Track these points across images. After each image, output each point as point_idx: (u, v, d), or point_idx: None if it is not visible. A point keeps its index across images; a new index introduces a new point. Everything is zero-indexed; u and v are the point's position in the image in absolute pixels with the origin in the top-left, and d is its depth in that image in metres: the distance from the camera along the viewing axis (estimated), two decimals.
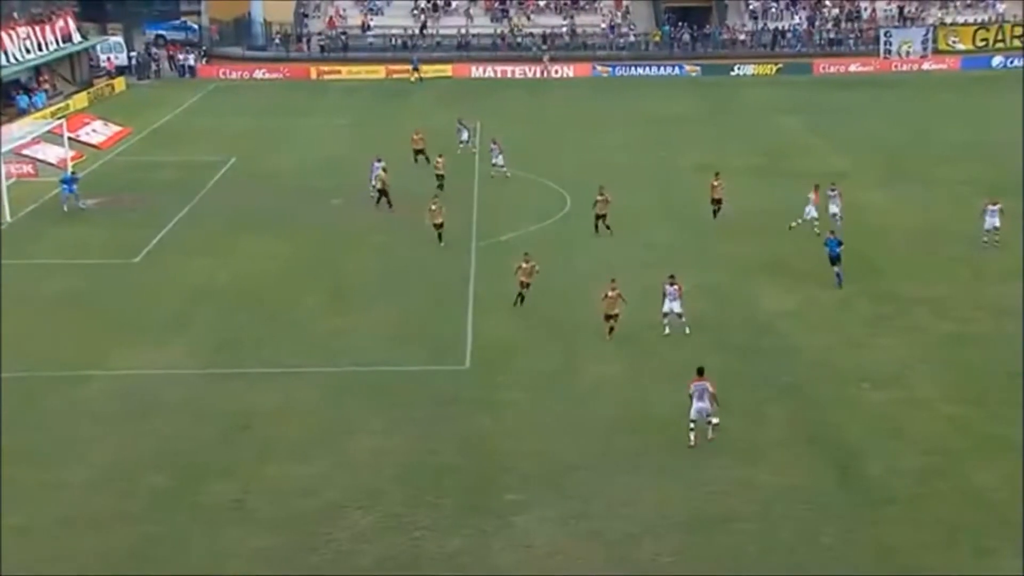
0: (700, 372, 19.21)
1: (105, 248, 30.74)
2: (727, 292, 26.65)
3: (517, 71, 63.05)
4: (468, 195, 36.13)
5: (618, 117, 50.08)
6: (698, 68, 62.48)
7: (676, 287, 22.68)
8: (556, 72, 62.85)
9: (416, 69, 61.70)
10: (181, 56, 64.26)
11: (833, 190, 30.82)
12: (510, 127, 48.09)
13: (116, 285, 27.74)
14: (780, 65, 62.29)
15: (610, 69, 62.95)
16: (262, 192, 36.69)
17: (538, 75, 62.73)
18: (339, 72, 62.52)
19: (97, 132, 46.21)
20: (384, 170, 35.22)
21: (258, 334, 24.43)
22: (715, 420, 19.09)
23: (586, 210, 31.91)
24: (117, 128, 47.41)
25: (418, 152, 39.42)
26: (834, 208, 30.48)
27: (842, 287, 26.10)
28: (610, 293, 23.43)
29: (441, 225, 29.95)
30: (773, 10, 66.79)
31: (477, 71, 63.02)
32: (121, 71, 61.11)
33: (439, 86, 59.72)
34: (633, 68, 62.91)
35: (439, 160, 37.10)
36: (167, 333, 24.44)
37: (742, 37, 65.27)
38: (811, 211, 30.41)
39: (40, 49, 50.70)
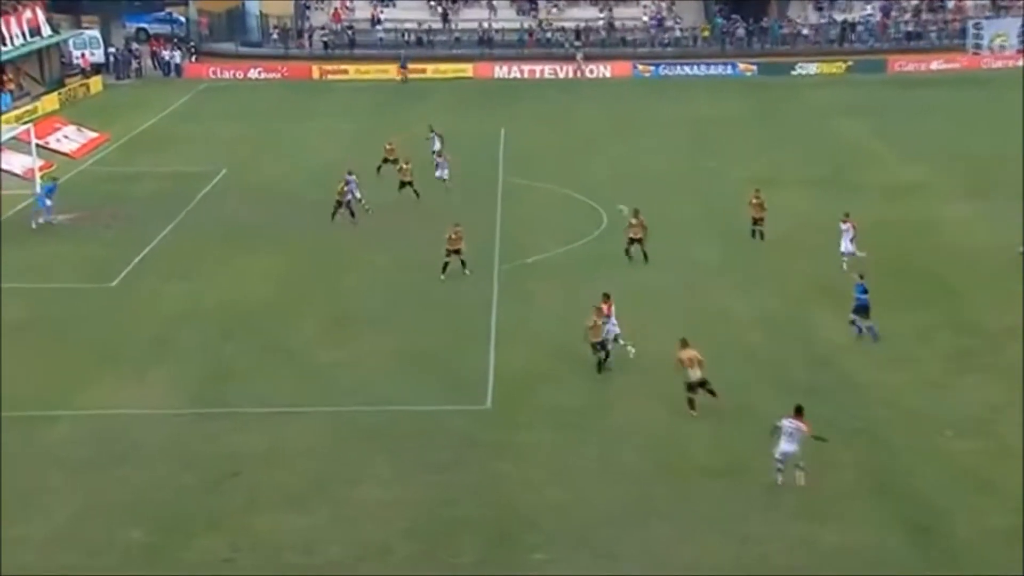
0: (799, 411, 19.30)
1: (77, 270, 31.23)
2: (781, 321, 26.72)
3: (546, 71, 63.59)
4: (490, 211, 36.43)
5: (661, 123, 50.37)
6: (754, 67, 62.80)
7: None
8: (591, 72, 63.35)
9: (404, 68, 62.24)
10: (166, 53, 65.27)
11: (845, 223, 29.70)
12: (538, 134, 48.53)
13: (88, 312, 28.15)
14: (849, 63, 62.44)
15: (653, 68, 63.36)
16: (256, 206, 37.18)
17: (570, 75, 63.27)
18: (345, 71, 63.32)
19: (69, 139, 46.97)
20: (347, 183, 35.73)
21: (249, 367, 24.71)
22: (802, 465, 19.13)
23: (624, 227, 32.10)
24: (92, 134, 48.18)
25: (388, 163, 39.44)
26: (846, 244, 29.36)
27: (878, 340, 25.22)
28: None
29: (458, 252, 30.13)
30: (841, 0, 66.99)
31: (501, 71, 63.62)
32: (97, 69, 62.04)
33: (457, 88, 60.33)
34: (679, 67, 63.28)
35: (405, 166, 37.52)
36: (145, 366, 24.74)
37: (805, 31, 65.53)
38: (846, 243, 29.53)
39: (3, 44, 51.52)
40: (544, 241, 33.18)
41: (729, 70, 62.82)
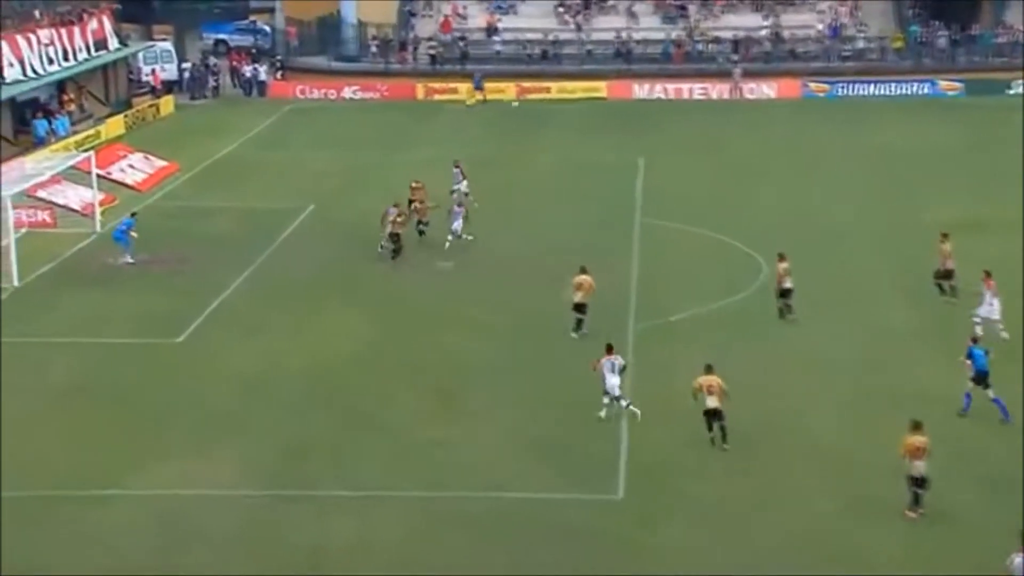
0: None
1: (137, 323, 32.30)
2: (993, 409, 26.00)
3: (696, 90, 63.83)
4: (624, 257, 36.60)
5: (838, 155, 49.99)
6: (959, 85, 61.93)
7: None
8: (751, 92, 63.38)
9: (479, 89, 63.14)
10: (248, 68, 67.52)
11: (987, 281, 29.57)
12: (684, 166, 48.66)
13: (150, 373, 29.05)
14: None
15: (828, 87, 63.04)
16: (347, 249, 38.03)
17: (725, 96, 63.38)
18: (455, 90, 64.51)
19: (135, 168, 48.85)
20: (400, 215, 37.00)
21: (334, 442, 25.19)
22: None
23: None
24: (161, 163, 50.04)
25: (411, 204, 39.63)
26: (987, 309, 29.26)
27: (1010, 421, 25.04)
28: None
29: (583, 307, 30.38)
30: None
31: (641, 90, 64.06)
32: (169, 87, 64.46)
33: (588, 110, 60.96)
34: (862, 86, 62.89)
35: (420, 205, 38.37)
36: (214, 439, 25.39)
37: None
38: (987, 307, 29.20)
39: (66, 59, 53.79)
40: (689, 296, 33.16)
41: (927, 89, 62.13)
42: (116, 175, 47.43)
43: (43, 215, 41.17)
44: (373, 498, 22.97)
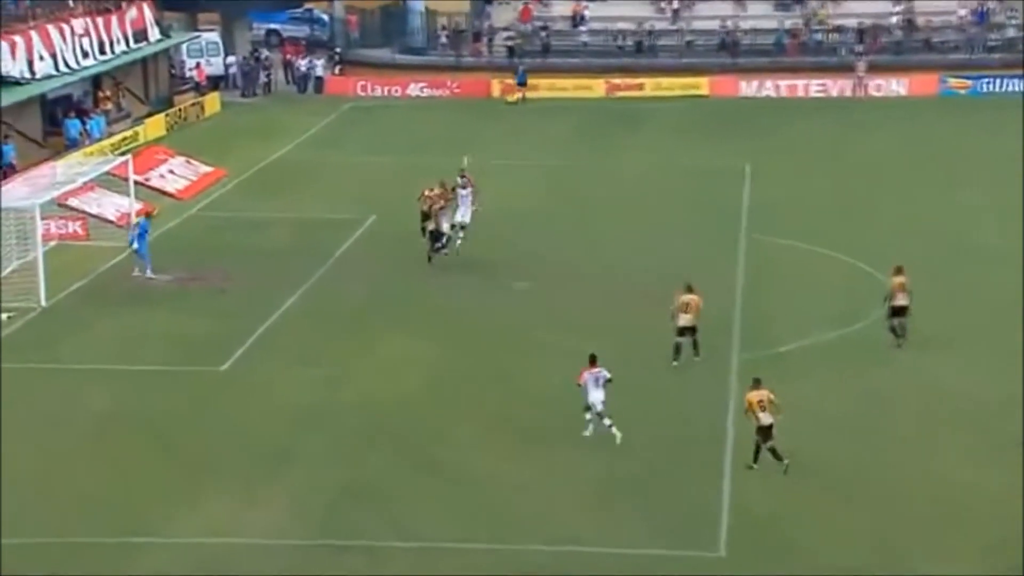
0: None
1: (178, 348, 32.67)
2: None
3: (813, 87, 63.58)
4: (727, 277, 36.39)
5: (980, 162, 49.51)
6: None
7: None
8: (877, 88, 62.96)
9: (522, 85, 63.31)
10: (303, 62, 68.35)
11: None
12: (798, 174, 48.43)
13: (191, 405, 29.34)
14: None
15: (971, 83, 62.38)
16: (412, 268, 38.24)
17: (848, 93, 62.99)
18: (535, 87, 64.73)
19: (177, 174, 49.56)
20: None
21: (393, 485, 25.24)
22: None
23: (920, 309, 31.51)
24: (205, 169, 50.71)
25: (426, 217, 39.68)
26: None
27: None
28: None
29: (693, 330, 30.35)
30: None
31: (748, 87, 63.94)
32: (215, 84, 65.49)
33: (687, 109, 60.99)
34: (1011, 81, 62.10)
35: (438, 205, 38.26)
36: (261, 480, 25.56)
37: None
38: None
39: (102, 52, 54.69)
40: (801, 323, 32.94)
41: None
42: (156, 182, 48.12)
43: (75, 226, 41.82)
44: (432, 549, 23.01)
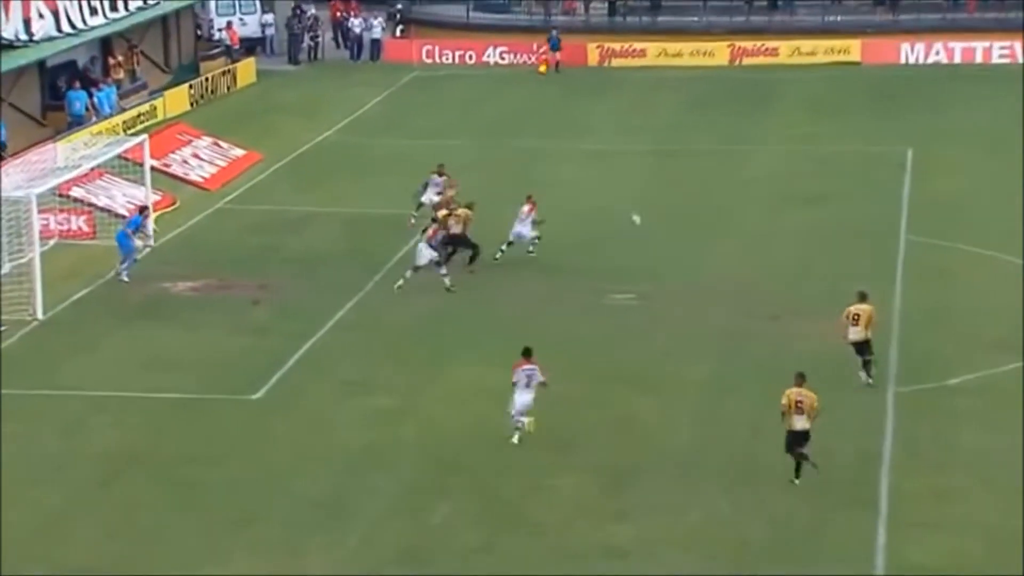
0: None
1: (203, 371, 32.94)
2: None
3: (996, 51, 63.15)
4: (884, 289, 36.01)
5: None
6: None
7: None
8: None
9: (556, 50, 63.76)
10: (357, 21, 68.70)
11: None
12: (975, 162, 48.04)
13: (218, 440, 29.52)
14: None
15: None
16: (487, 276, 38.43)
17: None
18: (642, 53, 64.79)
19: (203, 159, 50.12)
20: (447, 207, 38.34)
21: (463, 544, 25.18)
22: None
23: None
24: (238, 152, 51.22)
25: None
26: None
27: None
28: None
29: (864, 346, 30.58)
30: None
31: (912, 52, 63.72)
32: (251, 48, 66.10)
33: (832, 79, 60.81)
34: None
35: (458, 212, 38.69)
36: (303, 535, 25.56)
37: None
38: None
39: (113, 9, 55.25)
40: (976, 349, 32.70)
41: None
42: (177, 168, 48.70)
43: (79, 221, 42.41)
44: None
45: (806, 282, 36.62)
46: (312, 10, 69.65)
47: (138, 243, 38.47)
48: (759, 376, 30.88)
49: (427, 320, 35.53)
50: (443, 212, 39.04)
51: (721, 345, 33.51)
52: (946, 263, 38.25)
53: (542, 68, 64.36)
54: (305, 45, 67.56)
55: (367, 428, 29.79)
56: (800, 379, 26.80)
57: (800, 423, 26.47)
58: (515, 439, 28.43)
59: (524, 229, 39.30)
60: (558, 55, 64.21)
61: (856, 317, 30.73)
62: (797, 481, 26.54)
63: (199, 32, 64.54)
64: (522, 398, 28.45)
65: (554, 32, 64.99)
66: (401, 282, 36.89)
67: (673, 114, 56.49)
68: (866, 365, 31.07)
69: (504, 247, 39.15)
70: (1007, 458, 27.69)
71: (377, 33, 67.79)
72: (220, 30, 65.55)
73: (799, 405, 26.42)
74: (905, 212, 42.98)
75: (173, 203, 45.02)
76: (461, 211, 38.78)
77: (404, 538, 25.46)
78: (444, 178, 41.85)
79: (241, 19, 66.44)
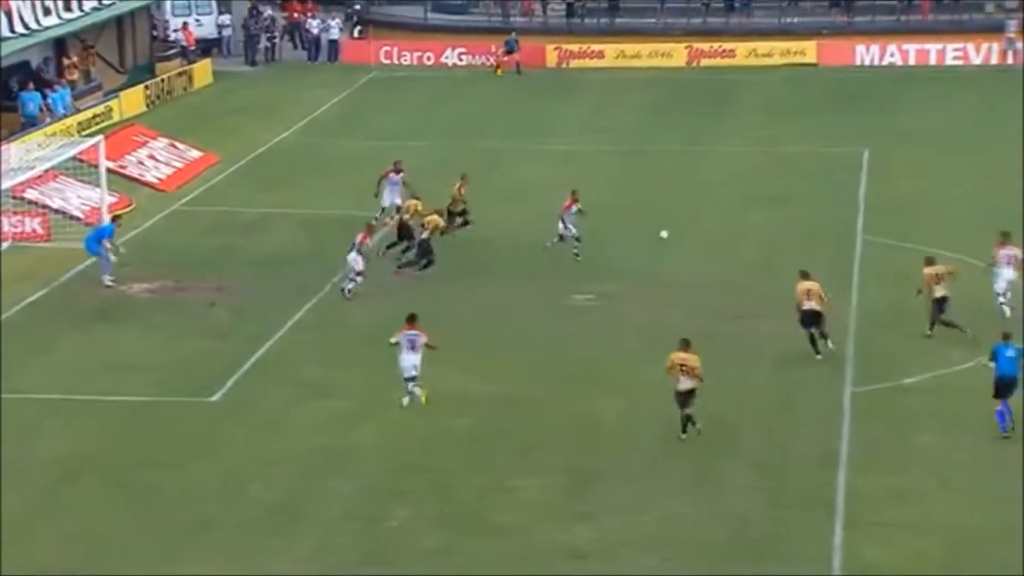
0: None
1: (159, 374, 32.86)
2: None
3: (949, 53, 63.41)
4: (839, 290, 36.18)
5: None
6: None
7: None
8: None
9: (511, 52, 63.87)
10: (315, 23, 68.53)
11: (1006, 247, 34.54)
12: (931, 163, 48.22)
13: (174, 444, 29.40)
14: None
15: None
16: (448, 277, 38.33)
17: (995, 61, 62.91)
18: (600, 55, 64.93)
19: (159, 160, 49.92)
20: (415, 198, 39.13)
21: (425, 548, 25.18)
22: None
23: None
24: (195, 153, 51.11)
25: (457, 215, 40.42)
26: (1007, 278, 34.42)
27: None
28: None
29: (815, 317, 31.39)
30: None
31: (867, 53, 63.93)
32: (207, 49, 65.82)
33: (789, 81, 61.01)
34: None
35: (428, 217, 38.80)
36: (262, 539, 25.50)
37: None
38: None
39: (67, 9, 55.08)
40: (931, 350, 32.85)
41: None
42: (133, 169, 48.53)
43: (33, 224, 42.23)
44: None
45: (767, 282, 36.79)
46: (269, 11, 69.54)
47: (111, 256, 38.24)
48: (721, 376, 31.06)
49: (387, 322, 35.24)
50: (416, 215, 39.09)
51: (673, 342, 33.48)
52: (902, 264, 38.32)
53: (498, 71, 64.33)
54: (262, 46, 67.43)
55: (325, 431, 29.78)
56: (685, 344, 28.88)
57: (685, 384, 28.51)
58: (404, 401, 30.15)
59: (566, 224, 39.42)
60: (517, 56, 64.26)
61: (809, 292, 32.42)
62: (684, 436, 28.54)
63: (155, 33, 64.37)
64: (408, 359, 30.18)
65: (513, 34, 65.02)
66: (351, 285, 36.88)
67: (634, 115, 56.58)
68: (823, 336, 32.55)
69: (555, 240, 39.69)
70: (963, 458, 27.96)
71: (335, 34, 67.69)
72: (176, 31, 65.32)
73: (683, 368, 28.49)
74: (862, 213, 43.22)
75: (129, 205, 44.86)
76: (431, 217, 38.84)
77: (362, 542, 25.46)
78: (401, 175, 41.81)
79: (197, 20, 66.19)
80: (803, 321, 32.39)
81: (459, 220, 40.63)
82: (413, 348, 30.19)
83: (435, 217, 38.76)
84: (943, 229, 41.06)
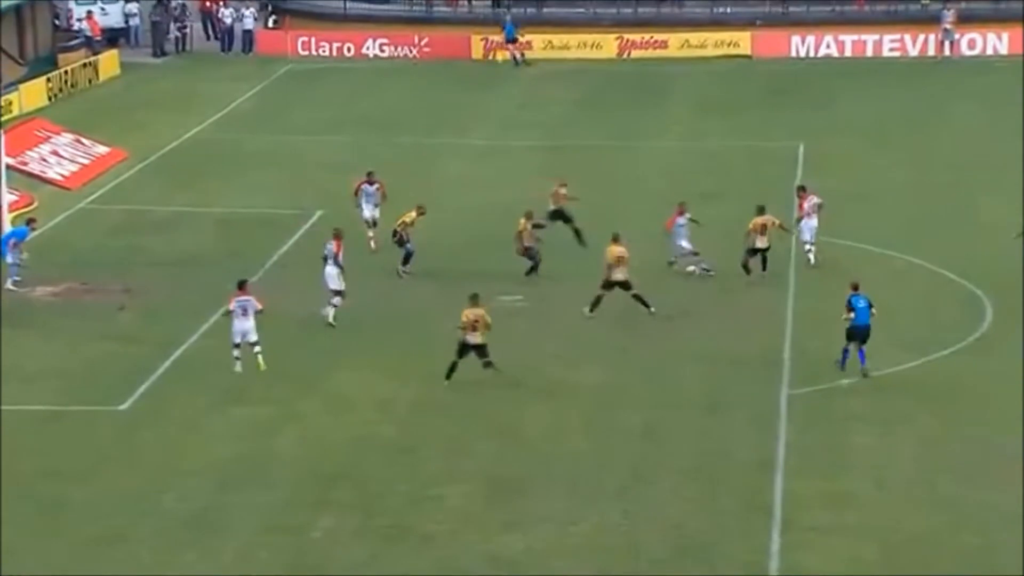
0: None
1: (65, 381, 32.68)
2: None
3: (887, 44, 64.05)
4: (775, 289, 36.70)
5: None
6: None
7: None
8: (970, 46, 63.50)
9: (512, 42, 63.78)
10: (227, 11, 68.33)
11: (807, 198, 38.94)
12: (865, 158, 48.64)
13: (82, 455, 29.24)
14: None
15: None
16: (372, 278, 38.17)
17: (931, 53, 63.60)
18: (527, 45, 65.00)
19: (62, 157, 49.67)
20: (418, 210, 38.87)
21: (347, 560, 25.18)
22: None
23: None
24: (101, 149, 50.87)
25: (556, 214, 40.35)
26: (811, 227, 38.66)
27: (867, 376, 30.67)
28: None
29: (625, 286, 32.15)
30: None
31: (802, 45, 64.51)
32: (113, 39, 65.58)
33: (723, 74, 61.37)
34: None
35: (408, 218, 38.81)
36: (175, 555, 25.39)
37: None
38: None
39: None
40: (872, 348, 33.03)
41: None
42: (35, 166, 48.28)
43: None
44: None
45: (699, 282, 37.03)
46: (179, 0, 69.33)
47: (23, 256, 37.99)
48: (650, 380, 31.23)
49: (307, 325, 35.45)
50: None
51: (612, 348, 33.86)
52: (837, 260, 38.71)
53: (501, 58, 64.31)
54: (172, 36, 67.12)
55: (242, 439, 29.72)
56: (474, 300, 31.49)
57: (474, 338, 31.30)
58: (237, 368, 32.08)
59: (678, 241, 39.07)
60: (516, 47, 63.97)
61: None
62: (446, 372, 31.42)
63: (57, 22, 63.96)
64: (241, 325, 32.11)
65: (508, 19, 64.72)
66: (332, 311, 35.55)
67: (561, 108, 56.77)
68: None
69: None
70: (900, 460, 28.31)
71: (249, 24, 67.51)
72: (80, 20, 65.00)
73: (475, 324, 31.12)
74: (796, 209, 43.43)
75: (31, 203, 44.57)
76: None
77: (283, 554, 25.45)
78: (376, 185, 41.28)
79: (102, 8, 65.94)
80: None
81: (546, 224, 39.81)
82: (245, 313, 32.04)
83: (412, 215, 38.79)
84: (878, 225, 41.64)
